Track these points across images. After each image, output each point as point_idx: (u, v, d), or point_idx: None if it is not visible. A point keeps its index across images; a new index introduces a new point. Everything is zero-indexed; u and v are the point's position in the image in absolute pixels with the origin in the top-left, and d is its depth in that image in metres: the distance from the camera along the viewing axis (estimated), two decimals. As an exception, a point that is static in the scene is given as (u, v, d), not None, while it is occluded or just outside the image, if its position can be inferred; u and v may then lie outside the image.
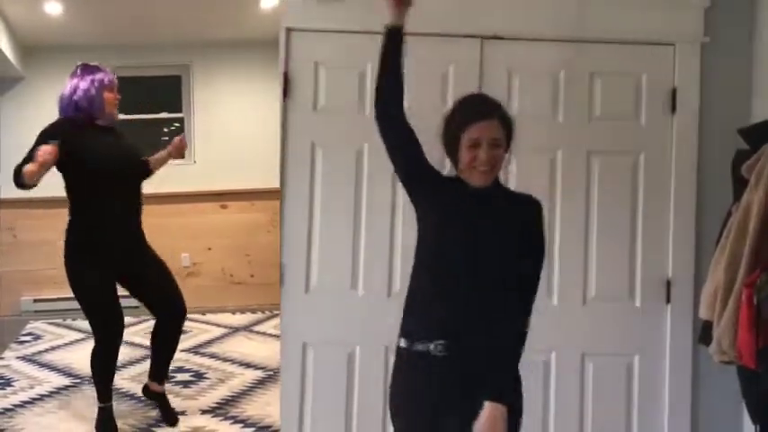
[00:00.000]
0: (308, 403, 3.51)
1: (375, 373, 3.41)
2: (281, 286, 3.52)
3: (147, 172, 4.18)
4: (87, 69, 4.08)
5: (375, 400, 3.38)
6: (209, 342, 6.43)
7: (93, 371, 4.08)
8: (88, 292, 3.93)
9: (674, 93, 3.51)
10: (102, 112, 4.00)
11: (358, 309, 3.48)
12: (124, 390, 4.86)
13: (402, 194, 2.74)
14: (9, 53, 7.00)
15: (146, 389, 4.46)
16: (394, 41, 2.42)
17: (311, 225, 3.50)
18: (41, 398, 4.92)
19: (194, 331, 6.68)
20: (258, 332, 6.86)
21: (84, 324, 7.12)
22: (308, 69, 3.50)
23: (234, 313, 7.62)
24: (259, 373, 5.38)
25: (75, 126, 3.92)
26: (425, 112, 3.38)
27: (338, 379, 3.46)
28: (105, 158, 3.89)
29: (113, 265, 3.96)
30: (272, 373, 5.26)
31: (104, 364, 4.06)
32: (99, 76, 4.04)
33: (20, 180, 3.65)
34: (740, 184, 2.94)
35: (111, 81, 4.07)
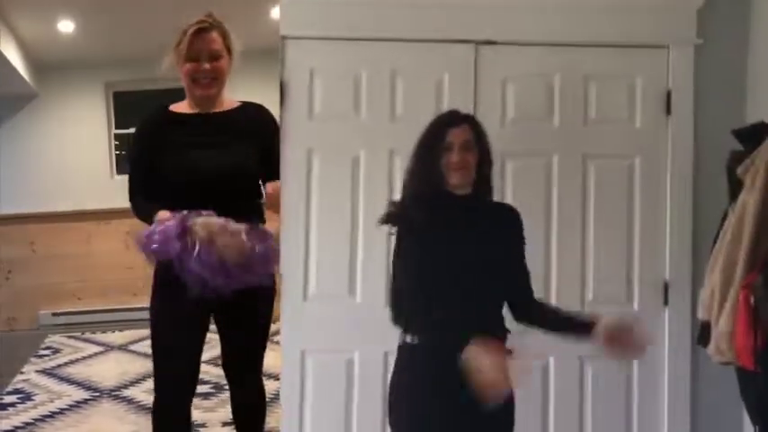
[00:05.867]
0: (307, 410, 3.59)
1: (374, 379, 3.42)
2: (282, 296, 3.54)
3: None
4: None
5: (374, 406, 3.40)
6: (229, 353, 6.46)
7: None
8: None
9: (668, 95, 3.49)
10: (189, 95, 3.13)
11: (356, 315, 3.49)
12: (144, 403, 4.88)
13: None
14: (22, 70, 7.12)
15: None
16: None
17: (308, 232, 3.50)
18: (61, 411, 4.97)
19: (214, 342, 6.70)
20: (278, 343, 6.86)
21: (103, 337, 7.21)
22: (303, 77, 3.50)
23: (253, 324, 7.64)
24: (279, 385, 5.39)
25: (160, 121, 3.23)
26: (421, 118, 3.45)
27: (337, 385, 3.49)
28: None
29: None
30: (293, 384, 5.26)
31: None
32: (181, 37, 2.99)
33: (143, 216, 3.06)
34: (736, 186, 2.92)
35: (187, 41, 2.96)
